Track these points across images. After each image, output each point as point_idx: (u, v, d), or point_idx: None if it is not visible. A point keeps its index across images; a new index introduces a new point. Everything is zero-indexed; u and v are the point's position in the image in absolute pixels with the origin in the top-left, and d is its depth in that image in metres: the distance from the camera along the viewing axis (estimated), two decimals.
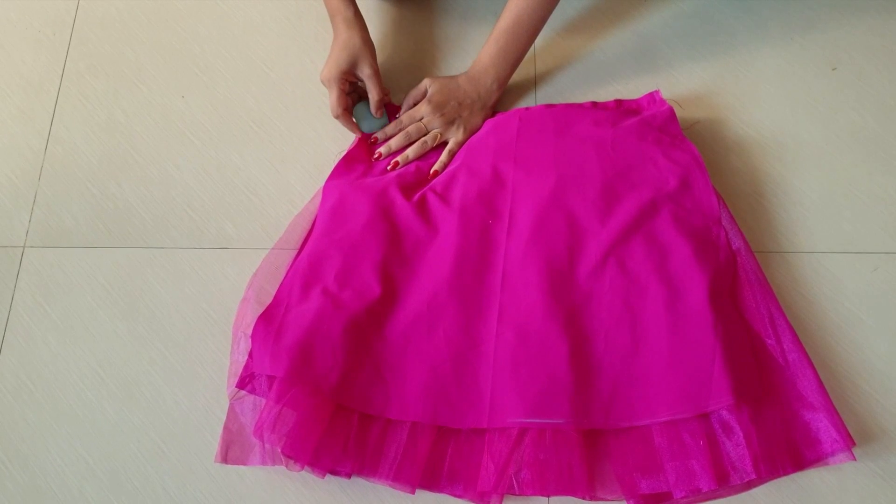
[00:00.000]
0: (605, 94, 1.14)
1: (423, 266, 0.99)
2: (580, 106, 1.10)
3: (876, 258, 1.02)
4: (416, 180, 1.07)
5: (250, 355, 0.95)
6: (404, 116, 1.11)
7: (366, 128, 1.12)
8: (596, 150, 1.04)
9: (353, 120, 1.11)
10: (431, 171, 1.08)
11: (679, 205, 1.00)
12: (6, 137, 1.16)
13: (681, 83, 1.15)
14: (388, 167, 1.09)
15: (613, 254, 0.97)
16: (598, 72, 1.17)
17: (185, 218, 1.09)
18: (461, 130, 1.10)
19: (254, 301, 0.99)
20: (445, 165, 1.09)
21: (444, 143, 1.11)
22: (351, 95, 1.11)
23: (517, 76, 1.15)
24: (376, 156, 1.10)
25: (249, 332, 0.95)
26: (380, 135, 1.11)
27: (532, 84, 1.16)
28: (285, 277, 1.00)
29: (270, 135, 1.14)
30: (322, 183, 1.08)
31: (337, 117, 1.09)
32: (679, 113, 1.08)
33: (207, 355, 1.00)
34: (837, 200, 1.06)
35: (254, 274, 1.02)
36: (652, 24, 1.20)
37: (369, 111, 1.11)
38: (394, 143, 1.10)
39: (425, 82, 1.12)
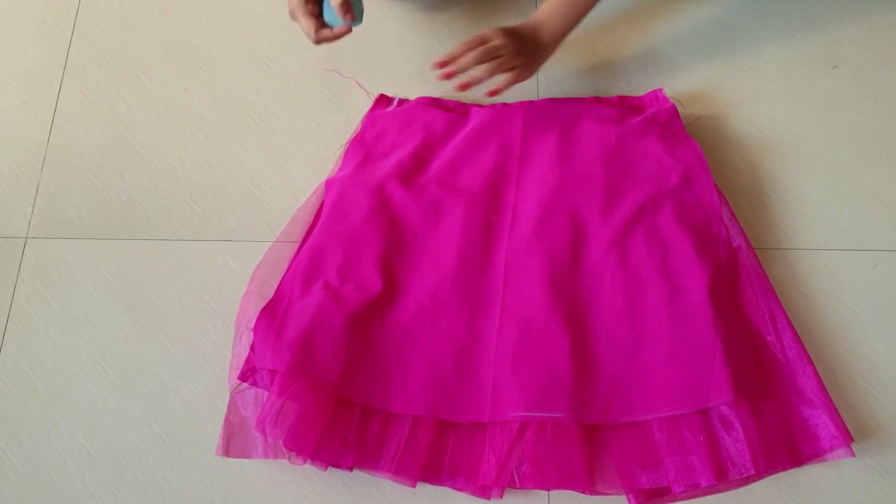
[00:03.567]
0: (608, 89, 1.14)
1: (425, 260, 0.99)
2: (584, 101, 1.11)
3: (875, 255, 1.02)
4: (414, 167, 1.06)
5: (252, 349, 0.95)
6: (473, 38, 1.00)
7: (332, 22, 1.04)
8: (599, 146, 1.05)
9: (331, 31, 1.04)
10: (488, 92, 1.02)
11: (680, 201, 1.01)
12: (9, 128, 1.16)
13: (682, 79, 1.15)
14: (454, 87, 1.00)
15: (615, 249, 0.97)
16: (601, 68, 1.17)
17: (188, 210, 1.09)
18: (526, 69, 1.03)
19: (256, 294, 0.99)
20: (507, 87, 1.03)
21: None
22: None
23: None
24: (445, 74, 0.99)
25: (251, 325, 0.96)
26: (445, 56, 0.99)
27: (534, 79, 1.16)
28: (287, 272, 1.00)
29: (273, 127, 1.14)
30: (324, 176, 1.08)
31: (318, 42, 1.04)
32: (680, 110, 1.09)
33: (209, 347, 1.00)
34: (837, 198, 1.06)
35: (256, 267, 1.02)
36: (655, 20, 1.20)
37: (331, 8, 1.03)
38: (466, 61, 0.99)
39: (488, 30, 1.01)
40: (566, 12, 1.04)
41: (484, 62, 0.99)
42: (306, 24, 1.03)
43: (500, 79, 1.02)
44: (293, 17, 1.05)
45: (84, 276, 1.06)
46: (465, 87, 1.00)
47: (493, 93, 1.02)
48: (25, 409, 0.98)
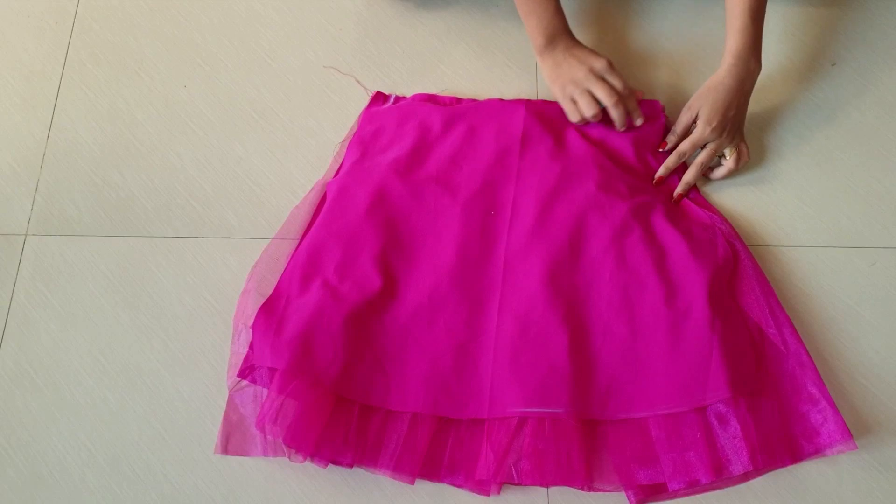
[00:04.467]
0: None
1: (423, 256, 0.99)
2: None
3: (874, 253, 1.02)
4: (412, 163, 1.06)
5: (251, 347, 0.95)
6: (686, 146, 1.05)
7: None
8: (597, 146, 1.06)
9: None
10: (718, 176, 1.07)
11: (679, 201, 1.01)
12: (8, 126, 1.16)
13: (680, 78, 1.15)
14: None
15: (614, 247, 0.97)
16: None
17: (187, 207, 1.09)
18: (738, 136, 1.06)
19: (254, 292, 0.99)
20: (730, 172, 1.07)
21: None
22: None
23: (517, 69, 1.17)
24: (655, 181, 1.06)
25: (250, 323, 0.96)
26: (662, 171, 1.05)
27: (534, 78, 1.16)
28: (286, 269, 1.00)
29: (272, 125, 1.14)
30: (323, 172, 1.09)
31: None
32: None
33: (209, 344, 1.00)
34: (836, 195, 1.06)
35: (254, 265, 1.02)
36: (652, 18, 1.20)
37: None
38: (690, 176, 1.05)
39: (690, 114, 1.06)
40: (757, 24, 1.03)
41: (706, 168, 1.06)
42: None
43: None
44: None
45: (84, 273, 1.06)
46: (680, 198, 1.05)
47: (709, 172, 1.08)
48: (25, 406, 0.98)
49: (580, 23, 1.20)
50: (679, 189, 1.04)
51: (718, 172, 1.06)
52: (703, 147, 1.04)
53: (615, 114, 1.06)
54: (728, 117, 1.03)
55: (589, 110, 1.05)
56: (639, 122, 1.07)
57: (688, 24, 1.19)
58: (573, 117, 1.07)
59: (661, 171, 1.05)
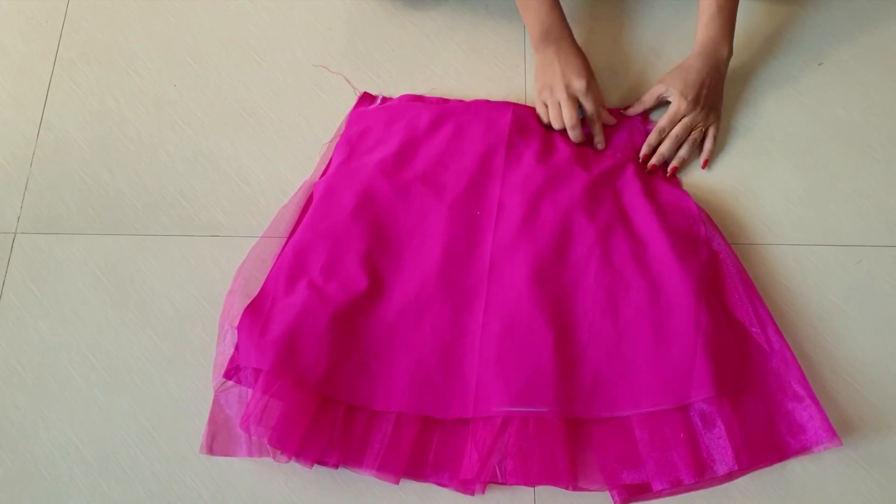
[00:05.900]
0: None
1: (409, 257, 1.00)
2: None
3: (859, 251, 1.03)
4: (399, 164, 1.06)
5: (236, 348, 0.95)
6: (664, 122, 1.08)
7: None
8: (582, 148, 1.07)
9: None
10: (703, 163, 1.09)
11: (660, 203, 1.02)
12: None
13: (667, 69, 1.15)
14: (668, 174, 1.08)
15: (599, 248, 0.98)
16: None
17: (176, 205, 1.09)
18: (713, 114, 1.10)
19: (240, 293, 0.99)
20: (711, 153, 1.09)
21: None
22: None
23: (506, 68, 1.17)
24: (649, 168, 1.07)
25: (236, 324, 0.96)
26: (644, 149, 1.08)
27: (523, 78, 1.17)
28: (272, 269, 1.00)
29: (261, 123, 1.15)
30: (312, 171, 1.09)
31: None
32: None
33: (197, 342, 1.01)
34: (822, 193, 1.07)
35: (240, 265, 1.02)
36: (637, 19, 1.21)
37: None
38: (665, 149, 1.07)
39: (662, 87, 1.09)
40: (732, 19, 1.07)
41: (682, 142, 1.08)
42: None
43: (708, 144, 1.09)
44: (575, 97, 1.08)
45: (73, 271, 1.06)
46: (675, 170, 1.08)
47: (706, 163, 1.09)
48: (14, 403, 0.99)
49: (570, 19, 1.20)
50: (672, 164, 1.07)
51: (703, 156, 1.09)
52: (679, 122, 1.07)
53: (572, 135, 1.08)
54: (702, 93, 1.06)
55: (555, 123, 1.09)
56: (599, 146, 1.09)
57: (673, 20, 1.19)
58: (542, 119, 1.10)
59: (644, 149, 1.08)
